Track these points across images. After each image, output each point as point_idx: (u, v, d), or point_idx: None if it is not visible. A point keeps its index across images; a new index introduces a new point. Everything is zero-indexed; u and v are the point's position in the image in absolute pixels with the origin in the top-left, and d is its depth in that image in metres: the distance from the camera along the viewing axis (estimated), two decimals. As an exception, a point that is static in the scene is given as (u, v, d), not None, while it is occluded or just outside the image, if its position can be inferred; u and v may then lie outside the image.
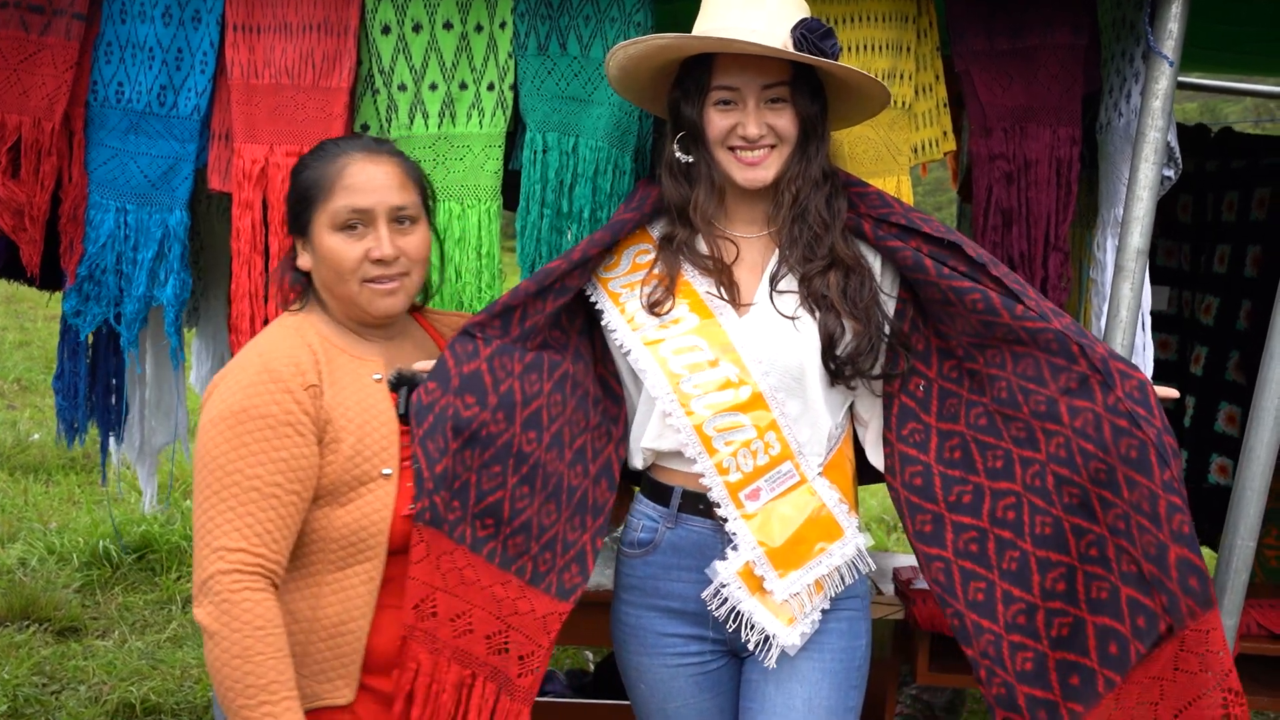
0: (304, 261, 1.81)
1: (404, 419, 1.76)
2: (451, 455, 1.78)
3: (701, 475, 1.88)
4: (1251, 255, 3.34)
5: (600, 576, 2.78)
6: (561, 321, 1.98)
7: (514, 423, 1.86)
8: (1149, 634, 1.71)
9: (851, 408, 2.00)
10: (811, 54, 1.81)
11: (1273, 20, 2.66)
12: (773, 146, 1.88)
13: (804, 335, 1.87)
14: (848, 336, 1.87)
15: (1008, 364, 1.86)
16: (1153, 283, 2.10)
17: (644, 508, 2.00)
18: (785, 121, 1.87)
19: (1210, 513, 3.49)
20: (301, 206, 1.78)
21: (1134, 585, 1.73)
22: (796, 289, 1.89)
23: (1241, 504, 1.96)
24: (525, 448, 1.87)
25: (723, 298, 1.91)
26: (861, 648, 1.95)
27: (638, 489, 2.05)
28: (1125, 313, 2.02)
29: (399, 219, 1.77)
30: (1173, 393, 1.85)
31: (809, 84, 1.88)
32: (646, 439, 1.94)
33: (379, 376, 1.78)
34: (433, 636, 1.78)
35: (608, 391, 2.02)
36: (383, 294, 1.77)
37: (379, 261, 1.74)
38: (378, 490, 1.71)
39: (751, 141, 1.87)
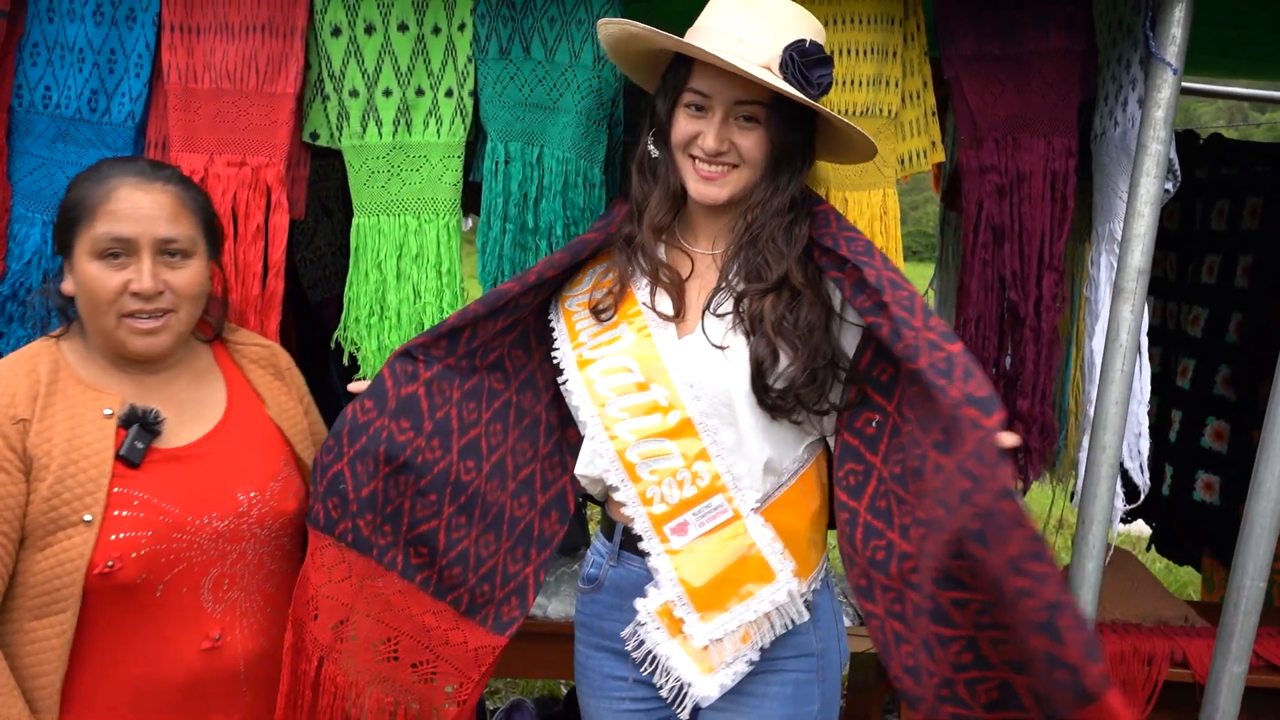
0: (67, 286, 1.69)
1: (124, 460, 1.63)
2: (382, 479, 1.73)
3: (624, 505, 1.75)
4: (1242, 266, 3.26)
5: (569, 607, 2.65)
6: (530, 342, 1.89)
7: (450, 450, 1.79)
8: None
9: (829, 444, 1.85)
10: (794, 80, 1.65)
11: (1274, 24, 2.56)
12: (734, 166, 1.72)
13: (732, 361, 1.71)
14: (782, 364, 1.69)
15: (917, 406, 1.63)
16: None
17: (597, 543, 1.90)
18: (751, 143, 1.71)
19: (1195, 531, 3.42)
20: (65, 227, 1.67)
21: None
22: (732, 312, 1.74)
23: (1250, 543, 1.84)
24: (464, 476, 1.81)
25: (665, 315, 1.77)
26: (813, 714, 1.78)
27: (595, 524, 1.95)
28: (1126, 336, 1.90)
29: (167, 251, 1.65)
30: (1014, 440, 1.48)
31: (791, 109, 1.70)
32: (579, 465, 1.84)
33: (109, 412, 1.65)
34: (352, 659, 1.75)
35: (567, 420, 1.91)
36: (141, 333, 1.64)
37: (138, 295, 1.62)
38: (75, 538, 1.58)
39: (709, 155, 1.71)
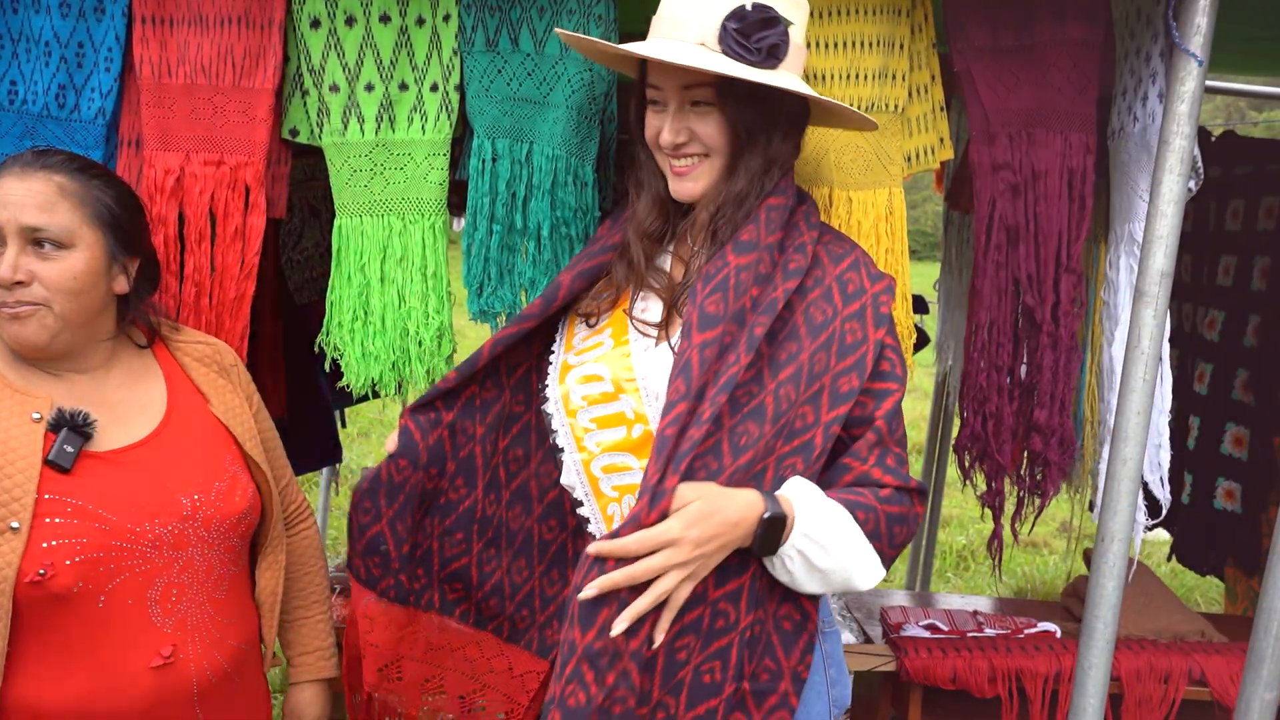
0: None
1: (53, 465, 1.54)
2: (415, 527, 1.77)
3: (588, 521, 1.64)
4: (1259, 267, 3.16)
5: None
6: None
7: (475, 487, 1.77)
8: None
9: None
10: (731, 50, 1.52)
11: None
12: (704, 156, 1.59)
13: None
14: None
15: None
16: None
17: None
18: (710, 129, 1.57)
19: (1217, 540, 3.31)
20: None
21: None
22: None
23: (1281, 562, 1.74)
24: (488, 511, 1.79)
25: (648, 323, 1.65)
26: None
27: None
28: (1148, 343, 1.80)
29: (38, 241, 1.57)
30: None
31: (745, 86, 1.56)
32: (562, 475, 1.73)
33: (38, 416, 1.57)
34: (399, 696, 1.82)
35: None
36: (8, 319, 1.56)
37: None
38: (2, 546, 1.49)
39: (670, 149, 1.60)
